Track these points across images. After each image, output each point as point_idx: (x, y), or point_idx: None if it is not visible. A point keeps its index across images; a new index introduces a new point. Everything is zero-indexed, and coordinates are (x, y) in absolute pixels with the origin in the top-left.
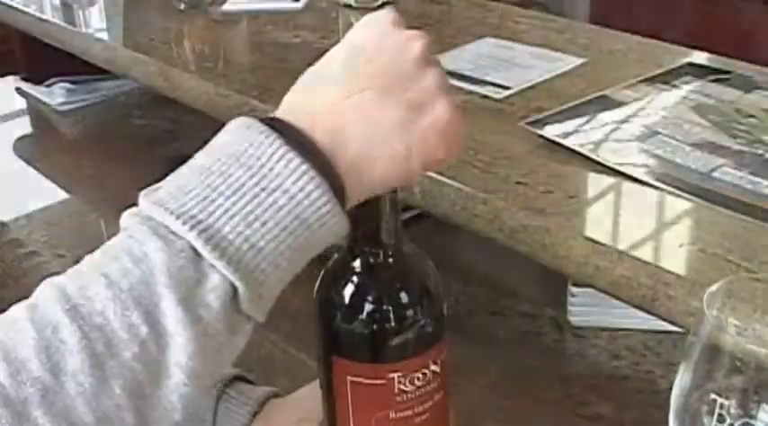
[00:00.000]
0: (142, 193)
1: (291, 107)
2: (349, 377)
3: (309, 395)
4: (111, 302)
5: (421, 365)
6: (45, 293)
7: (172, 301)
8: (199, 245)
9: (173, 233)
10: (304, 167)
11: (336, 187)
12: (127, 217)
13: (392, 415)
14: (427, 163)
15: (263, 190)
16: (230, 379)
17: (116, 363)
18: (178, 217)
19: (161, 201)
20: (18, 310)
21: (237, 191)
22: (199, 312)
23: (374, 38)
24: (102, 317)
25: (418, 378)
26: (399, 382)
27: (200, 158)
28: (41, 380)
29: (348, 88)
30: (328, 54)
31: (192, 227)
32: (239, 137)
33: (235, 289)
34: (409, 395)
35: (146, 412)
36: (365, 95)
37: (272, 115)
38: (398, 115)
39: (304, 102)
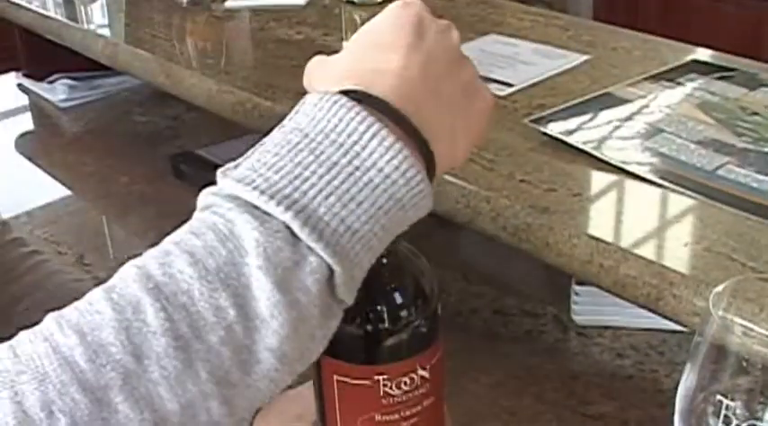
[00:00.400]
0: (220, 171)
1: (363, 81)
2: (335, 376)
3: (309, 392)
4: (196, 282)
5: (409, 369)
6: (124, 272)
7: (266, 284)
8: (296, 227)
9: (265, 213)
10: (398, 145)
11: (429, 165)
12: (207, 195)
13: (378, 418)
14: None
15: (358, 168)
16: None
17: (202, 347)
18: (272, 197)
19: (248, 179)
20: (95, 292)
21: (331, 170)
22: (296, 295)
23: (415, 19)
24: (188, 297)
25: (405, 383)
26: (385, 385)
27: (282, 135)
28: (123, 363)
29: (412, 64)
30: (366, 29)
31: (288, 208)
32: (326, 113)
33: (331, 272)
34: (396, 399)
35: (233, 400)
36: (430, 73)
37: (347, 89)
38: (460, 96)
39: (374, 77)
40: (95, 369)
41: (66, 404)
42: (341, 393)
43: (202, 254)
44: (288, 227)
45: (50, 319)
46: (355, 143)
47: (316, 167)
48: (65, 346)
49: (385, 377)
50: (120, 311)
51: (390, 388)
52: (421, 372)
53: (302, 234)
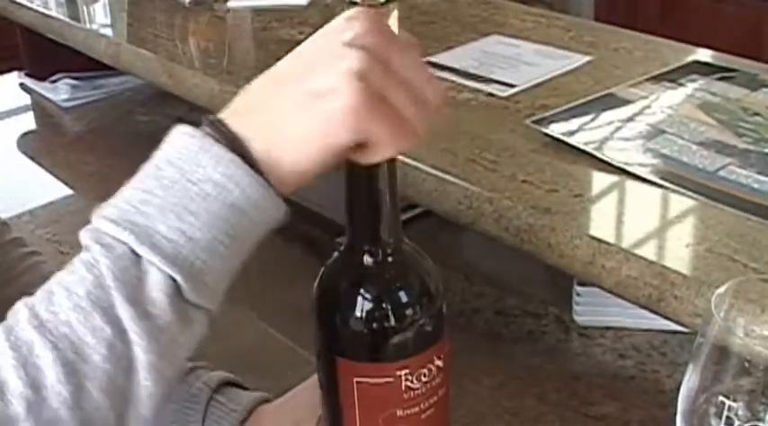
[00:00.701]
0: (95, 209)
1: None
2: (355, 378)
3: (300, 398)
4: (72, 311)
5: (426, 361)
6: (18, 314)
7: (121, 301)
8: (135, 246)
9: (113, 238)
10: (228, 156)
11: (256, 169)
12: (82, 233)
13: (399, 413)
14: (342, 147)
15: (194, 183)
16: (220, 384)
17: (89, 367)
18: (117, 224)
19: (102, 212)
20: None
21: (169, 189)
22: (147, 308)
23: (326, 28)
24: (68, 327)
25: (424, 375)
26: (406, 379)
27: (141, 170)
28: (25, 396)
29: (271, 74)
30: None
31: (129, 230)
32: (172, 144)
33: (173, 279)
34: (416, 392)
35: (123, 408)
36: (277, 79)
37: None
38: (301, 98)
39: (242, 93)
40: (4, 405)
41: None
42: (360, 394)
43: (75, 286)
44: (131, 248)
45: None
46: (189, 161)
47: (158, 190)
48: None
49: (406, 371)
50: (16, 350)
51: (411, 382)
52: (437, 362)
53: (141, 251)
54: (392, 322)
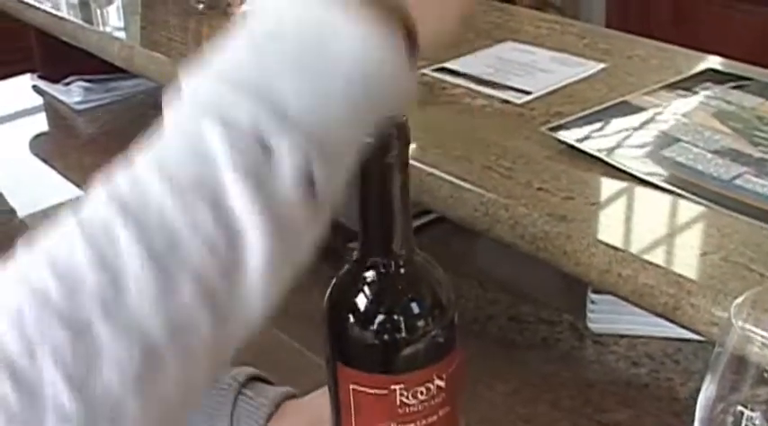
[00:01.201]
0: (186, 72)
1: None
2: (352, 385)
3: (323, 399)
4: (169, 197)
5: (425, 379)
6: (92, 194)
7: (240, 188)
8: (264, 118)
9: (230, 107)
10: (365, 10)
11: (409, 38)
12: (173, 102)
13: None
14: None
15: (319, 40)
16: (248, 379)
17: (182, 265)
18: (234, 88)
19: (208, 75)
20: (64, 217)
21: (295, 50)
22: (273, 197)
23: None
24: (160, 215)
25: (421, 392)
26: (401, 394)
27: (243, 32)
28: (101, 293)
29: None
30: None
31: (253, 98)
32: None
33: (308, 165)
34: (412, 408)
35: (223, 315)
36: None
37: None
38: None
39: None
40: (73, 303)
41: (49, 344)
42: (357, 402)
43: (172, 165)
44: (255, 120)
45: (20, 253)
46: (313, 16)
47: (279, 54)
48: (38, 281)
49: (402, 386)
50: (91, 236)
51: (407, 398)
52: (437, 382)
53: (271, 124)
54: (387, 335)
